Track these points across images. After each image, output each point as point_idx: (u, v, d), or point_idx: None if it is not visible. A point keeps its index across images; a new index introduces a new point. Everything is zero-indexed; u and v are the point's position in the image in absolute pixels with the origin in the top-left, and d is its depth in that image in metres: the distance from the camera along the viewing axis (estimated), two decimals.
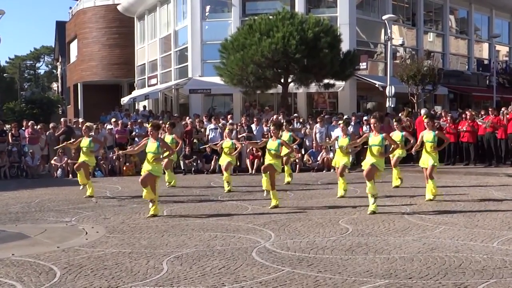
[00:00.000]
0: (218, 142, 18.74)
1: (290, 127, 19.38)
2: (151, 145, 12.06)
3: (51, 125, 24.49)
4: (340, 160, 14.81)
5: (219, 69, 28.23)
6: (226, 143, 16.67)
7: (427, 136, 13.57)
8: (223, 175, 16.57)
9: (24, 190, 17.56)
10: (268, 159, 13.10)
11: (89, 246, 9.08)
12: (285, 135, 17.73)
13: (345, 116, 23.77)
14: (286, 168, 17.65)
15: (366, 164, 12.07)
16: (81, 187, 15.64)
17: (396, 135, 15.13)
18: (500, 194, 14.49)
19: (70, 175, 21.71)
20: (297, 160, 21.48)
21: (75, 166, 16.13)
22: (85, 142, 15.57)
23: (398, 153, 15.80)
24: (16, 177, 21.96)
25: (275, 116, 24.72)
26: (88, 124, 17.87)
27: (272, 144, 13.14)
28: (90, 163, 15.80)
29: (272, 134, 13.44)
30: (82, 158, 15.55)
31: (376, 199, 11.92)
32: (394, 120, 16.75)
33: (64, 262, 8.05)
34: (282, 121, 20.10)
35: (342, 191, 14.53)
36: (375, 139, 11.99)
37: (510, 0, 43.89)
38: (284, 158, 17.85)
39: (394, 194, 14.67)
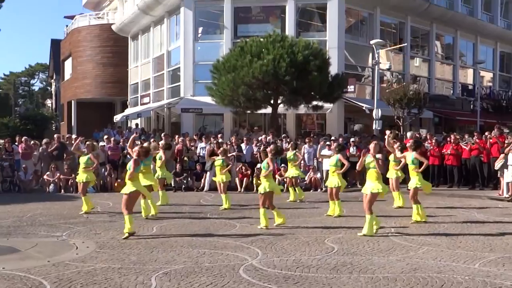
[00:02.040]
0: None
1: (295, 149, 19.48)
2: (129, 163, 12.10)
3: (44, 141, 24.41)
4: (332, 181, 14.70)
5: (211, 89, 28.27)
6: (218, 161, 16.71)
7: (408, 157, 13.76)
8: (214, 191, 16.71)
9: (16, 204, 17.45)
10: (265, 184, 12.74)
11: (79, 261, 9.06)
12: (289, 153, 17.96)
13: (334, 137, 23.83)
14: (297, 189, 18.32)
15: (366, 189, 11.89)
16: (86, 215, 15.07)
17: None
18: (483, 217, 14.55)
19: (62, 190, 21.66)
20: (286, 180, 21.46)
21: (80, 191, 15.84)
22: (83, 158, 15.74)
23: (397, 174, 15.87)
24: (8, 191, 21.84)
25: (263, 136, 24.77)
26: (94, 144, 17.51)
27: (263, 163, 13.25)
28: (90, 179, 15.97)
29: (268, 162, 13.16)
30: (82, 175, 15.67)
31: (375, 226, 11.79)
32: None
33: (54, 276, 8.02)
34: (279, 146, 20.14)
35: (336, 212, 14.46)
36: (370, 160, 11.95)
37: (494, 27, 44.44)
38: (293, 180, 18.21)
39: (380, 214, 14.68)
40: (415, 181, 13.43)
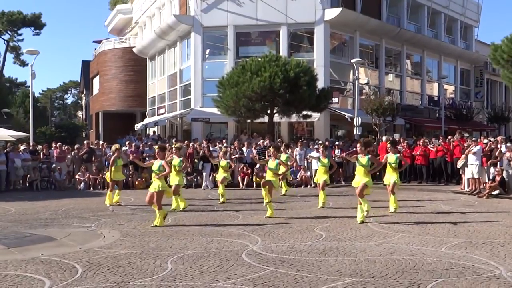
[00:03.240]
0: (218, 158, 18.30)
1: (288, 151, 19.40)
2: (156, 164, 12.04)
3: (75, 146, 24.44)
4: (321, 177, 14.78)
5: (217, 101, 28.22)
6: (222, 162, 16.64)
7: (390, 158, 13.63)
8: (217, 188, 16.60)
9: (52, 200, 17.42)
10: (268, 176, 13.07)
11: (106, 248, 9.03)
12: (283, 156, 17.83)
13: (321, 141, 23.81)
14: (282, 182, 17.85)
15: (357, 182, 11.89)
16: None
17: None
18: (448, 207, 14.54)
19: (91, 188, 21.61)
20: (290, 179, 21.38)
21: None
22: (175, 160, 14.27)
23: (395, 179, 15.02)
24: (45, 189, 21.80)
25: (261, 141, 24.72)
26: (178, 145, 15.94)
27: (271, 163, 13.14)
28: (180, 181, 14.31)
29: (272, 155, 13.37)
30: (174, 179, 14.11)
31: (367, 211, 11.82)
32: (388, 143, 15.77)
33: (85, 261, 7.99)
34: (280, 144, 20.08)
35: (321, 202, 14.57)
36: (362, 160, 11.95)
37: (455, 48, 44.49)
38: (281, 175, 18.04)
39: None
40: (393, 178, 13.45)
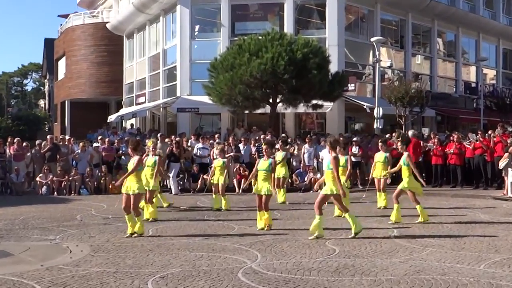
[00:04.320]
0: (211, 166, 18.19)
1: (287, 147, 19.36)
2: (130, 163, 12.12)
3: (37, 142, 24.38)
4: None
5: (208, 88, 28.23)
6: (218, 162, 16.54)
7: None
8: (213, 193, 16.50)
9: (8, 207, 17.40)
10: (260, 179, 12.62)
11: (73, 265, 9.01)
12: (279, 155, 17.75)
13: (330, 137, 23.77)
14: (282, 190, 17.86)
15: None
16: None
17: (380, 156, 15.48)
18: (487, 217, 14.54)
19: (55, 193, 21.61)
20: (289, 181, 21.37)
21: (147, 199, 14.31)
22: (150, 160, 14.71)
23: (382, 174, 15.88)
24: (0, 193, 21.79)
25: (262, 136, 24.71)
26: (151, 141, 16.10)
27: (263, 164, 12.69)
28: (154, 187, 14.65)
29: (264, 153, 13.15)
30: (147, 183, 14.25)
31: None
32: (380, 141, 16.76)
33: (48, 281, 7.97)
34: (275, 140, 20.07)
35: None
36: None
37: (497, 24, 44.45)
38: (281, 180, 17.97)
39: (382, 215, 14.68)
40: (403, 182, 13.52)
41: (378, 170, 15.90)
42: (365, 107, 30.66)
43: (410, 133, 24.12)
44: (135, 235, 11.60)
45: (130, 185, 11.78)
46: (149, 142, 15.99)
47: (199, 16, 34.79)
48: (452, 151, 22.50)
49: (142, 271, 8.53)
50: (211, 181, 16.63)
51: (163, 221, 14.02)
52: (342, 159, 14.15)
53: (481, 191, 21.02)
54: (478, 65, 42.23)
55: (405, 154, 13.78)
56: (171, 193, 21.09)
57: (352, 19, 35.88)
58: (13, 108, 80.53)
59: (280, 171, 18.09)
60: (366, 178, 19.32)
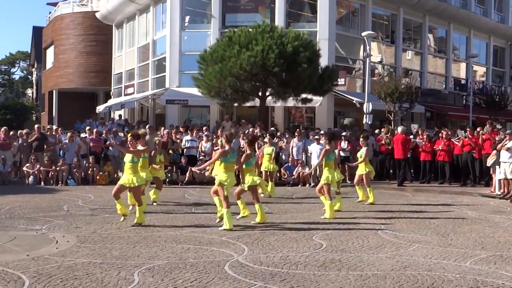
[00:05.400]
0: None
1: (274, 141, 19.42)
2: (128, 155, 12.17)
3: (24, 131, 24.24)
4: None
5: (197, 80, 28.19)
6: (267, 149, 16.77)
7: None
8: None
9: None
10: (248, 177, 12.51)
11: (59, 255, 9.00)
12: (267, 149, 17.79)
13: (323, 131, 23.83)
14: (270, 183, 17.96)
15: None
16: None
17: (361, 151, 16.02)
18: (474, 214, 14.61)
19: (42, 183, 21.52)
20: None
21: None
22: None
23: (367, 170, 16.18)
24: None
25: (250, 130, 24.71)
26: (141, 131, 15.15)
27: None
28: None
29: (244, 148, 13.25)
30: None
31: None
32: (361, 136, 17.21)
33: (33, 271, 7.96)
34: (258, 134, 20.14)
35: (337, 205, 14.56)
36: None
37: (488, 21, 44.61)
38: (269, 174, 18.18)
39: (369, 210, 14.75)
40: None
41: (361, 166, 16.36)
42: (354, 102, 30.73)
43: (399, 129, 24.16)
44: (135, 223, 11.88)
45: (128, 178, 12.00)
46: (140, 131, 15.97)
47: (189, 7, 34.74)
48: (440, 148, 22.55)
49: (128, 263, 8.53)
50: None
51: (150, 213, 13.98)
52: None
53: (469, 188, 21.11)
54: (468, 61, 42.38)
55: (327, 148, 14.05)
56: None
57: (343, 13, 35.94)
58: (0, 97, 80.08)
59: (268, 165, 18.21)
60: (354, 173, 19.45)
